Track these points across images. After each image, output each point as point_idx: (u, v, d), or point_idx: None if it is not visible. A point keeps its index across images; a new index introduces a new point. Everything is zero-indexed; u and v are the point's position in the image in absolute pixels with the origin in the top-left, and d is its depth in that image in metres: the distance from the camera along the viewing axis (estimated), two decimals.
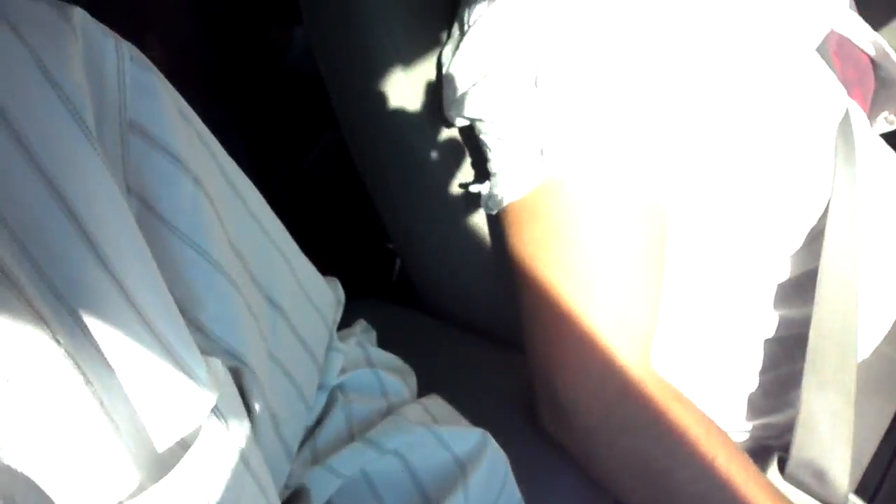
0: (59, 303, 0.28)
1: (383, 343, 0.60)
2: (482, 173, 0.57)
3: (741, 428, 0.65)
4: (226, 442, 0.32)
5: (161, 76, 0.34)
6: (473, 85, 0.53)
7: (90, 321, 0.28)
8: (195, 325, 0.35)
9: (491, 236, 0.62)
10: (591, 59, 0.49)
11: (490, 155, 0.54)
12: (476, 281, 0.65)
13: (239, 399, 0.35)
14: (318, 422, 0.46)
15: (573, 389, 0.51)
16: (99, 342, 0.28)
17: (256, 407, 0.38)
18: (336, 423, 0.46)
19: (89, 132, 0.29)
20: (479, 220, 0.62)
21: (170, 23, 0.94)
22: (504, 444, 0.48)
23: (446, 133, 0.61)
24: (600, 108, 0.49)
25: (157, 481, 0.29)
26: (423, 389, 0.56)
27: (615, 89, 0.49)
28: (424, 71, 0.61)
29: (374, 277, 1.01)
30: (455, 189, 0.61)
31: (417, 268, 0.69)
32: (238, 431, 0.33)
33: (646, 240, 0.51)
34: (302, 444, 0.45)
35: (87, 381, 0.27)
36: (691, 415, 0.50)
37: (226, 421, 0.33)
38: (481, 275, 0.64)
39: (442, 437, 0.45)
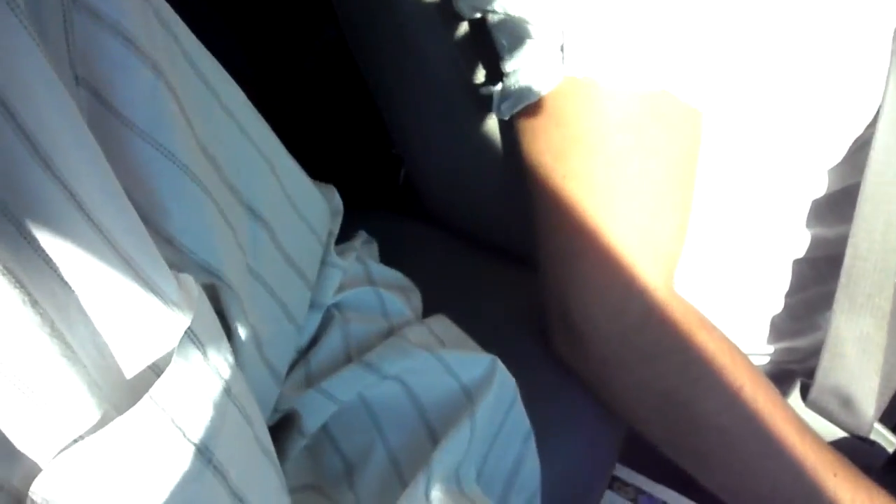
0: (1, 215, 0.24)
1: (386, 256, 0.55)
2: (495, 74, 0.51)
3: (762, 351, 0.62)
4: (203, 368, 0.29)
5: None
6: None
7: (36, 230, 0.24)
8: (161, 237, 0.31)
9: (503, 143, 0.56)
10: None
11: (504, 53, 0.48)
12: (486, 191, 0.60)
13: (216, 319, 0.31)
14: (313, 342, 0.43)
15: (590, 312, 0.47)
16: (48, 253, 0.24)
17: (237, 327, 0.34)
18: (332, 344, 0.42)
19: (20, 11, 0.24)
20: (490, 125, 0.57)
21: None
22: (512, 369, 0.45)
23: (455, 27, 0.55)
24: None
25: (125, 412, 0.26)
26: (429, 307, 0.52)
27: None
28: None
29: (378, 184, 0.96)
30: (464, 91, 0.56)
31: (423, 176, 0.65)
32: (216, 356, 0.30)
33: (678, 150, 0.46)
34: (293, 365, 0.42)
35: (33, 301, 0.23)
36: (717, 343, 0.46)
37: (202, 345, 0.29)
38: (491, 185, 0.59)
39: (448, 363, 0.41)
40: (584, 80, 0.44)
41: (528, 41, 0.46)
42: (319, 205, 0.43)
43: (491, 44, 0.51)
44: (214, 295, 0.33)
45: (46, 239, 0.25)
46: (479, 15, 0.51)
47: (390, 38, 0.58)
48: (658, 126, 0.45)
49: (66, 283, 0.25)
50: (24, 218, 0.24)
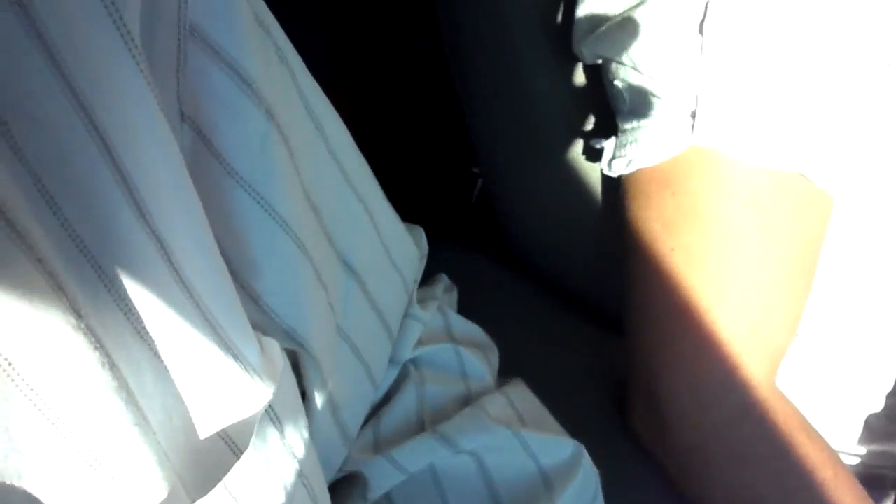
0: (81, 257, 0.21)
1: (462, 298, 0.53)
2: (608, 126, 0.48)
3: (853, 451, 0.57)
4: (279, 450, 0.26)
5: None
6: (619, 17, 0.43)
7: (119, 277, 0.22)
8: (249, 295, 0.28)
9: (604, 196, 0.53)
10: (778, 6, 0.38)
11: (623, 106, 0.45)
12: (576, 241, 0.56)
13: (297, 394, 0.29)
14: (386, 398, 0.40)
15: (681, 400, 0.43)
16: (129, 303, 0.22)
17: (315, 395, 0.31)
18: (405, 405, 0.39)
19: (131, 41, 0.21)
20: (592, 173, 0.53)
21: None
22: (587, 441, 0.42)
23: (569, 67, 0.52)
24: (777, 71, 0.39)
25: (192, 487, 0.23)
26: (503, 359, 0.49)
27: (798, 49, 0.39)
28: None
29: (451, 200, 0.94)
30: (569, 136, 0.52)
31: (509, 212, 0.61)
32: (293, 434, 0.27)
33: (804, 236, 0.42)
34: (364, 422, 0.39)
35: (111, 364, 0.21)
36: (819, 453, 0.42)
37: (280, 423, 0.27)
38: (584, 236, 0.56)
39: (528, 443, 0.38)
40: (712, 151, 0.41)
41: (655, 101, 0.42)
42: (411, 251, 0.40)
43: (610, 94, 0.47)
44: (295, 360, 0.30)
45: (130, 287, 0.22)
46: (599, 61, 0.47)
47: (497, 65, 0.55)
48: (785, 208, 0.41)
49: (141, 338, 0.23)
50: (107, 262, 0.22)
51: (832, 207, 0.43)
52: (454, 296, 0.49)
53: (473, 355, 0.42)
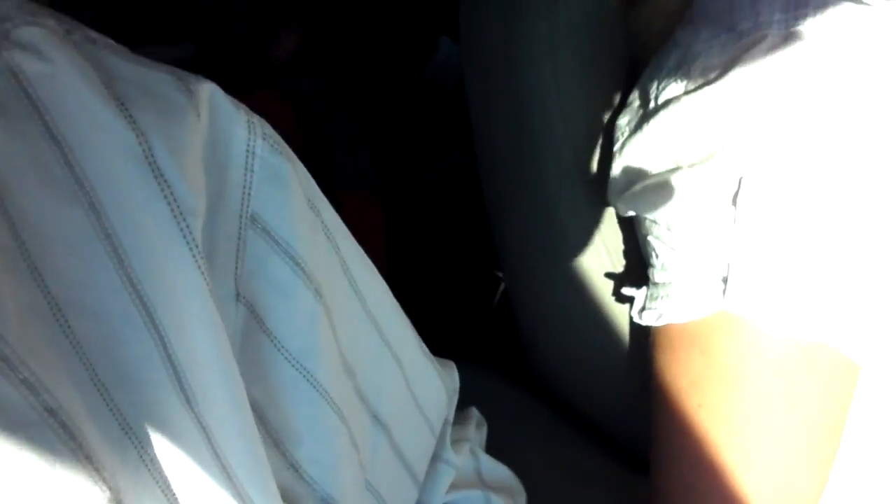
0: (125, 437, 0.23)
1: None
2: (640, 276, 0.49)
3: None
4: None
5: (293, 158, 0.28)
6: (654, 178, 0.45)
7: (161, 457, 0.23)
8: (288, 462, 0.29)
9: (632, 341, 0.54)
10: (811, 177, 0.40)
11: (656, 261, 0.46)
12: (603, 381, 0.57)
13: None
14: None
15: None
16: (169, 483, 0.24)
17: None
18: None
19: (194, 243, 0.24)
20: (621, 316, 0.54)
21: (308, 10, 0.89)
22: None
23: (604, 214, 0.53)
24: (806, 246, 0.41)
25: None
26: (527, 489, 0.49)
27: (828, 225, 0.40)
28: (590, 135, 0.54)
29: (474, 302, 0.95)
30: (601, 279, 0.54)
31: (535, 343, 0.62)
32: None
33: (830, 403, 0.43)
34: None
35: None
36: None
37: None
38: (611, 377, 0.56)
39: None
40: (741, 317, 0.42)
41: (687, 261, 0.44)
42: (440, 396, 0.41)
43: (643, 247, 0.49)
44: None
45: (171, 470, 0.24)
46: (632, 213, 0.49)
47: (531, 204, 0.57)
48: (812, 377, 0.42)
49: None
50: (150, 444, 0.23)
51: (858, 375, 0.43)
52: (484, 432, 0.50)
53: (503, 501, 0.43)
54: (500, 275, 0.93)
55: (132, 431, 0.23)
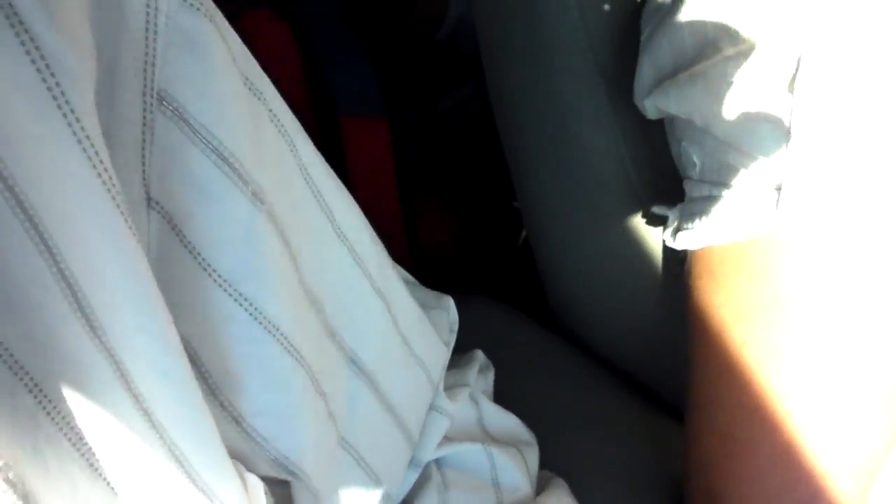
0: (16, 381, 0.17)
1: (498, 365, 0.47)
2: (673, 193, 0.42)
3: None
4: None
5: (222, 22, 0.21)
6: (692, 70, 0.37)
7: (65, 403, 0.18)
8: (229, 414, 0.23)
9: (664, 270, 0.47)
10: (888, 51, 0.32)
11: (693, 172, 0.39)
12: (629, 316, 0.50)
13: None
14: None
15: None
16: (77, 432, 0.18)
17: None
18: None
19: (73, 116, 0.17)
20: (652, 242, 0.47)
21: None
22: None
23: (630, 123, 0.46)
24: (883, 137, 0.33)
25: None
26: (543, 441, 0.43)
27: None
28: (611, 30, 0.46)
29: (497, 238, 0.90)
30: (627, 199, 0.47)
31: (553, 277, 0.56)
32: None
33: None
34: None
35: None
36: None
37: None
38: (637, 311, 0.49)
39: None
40: (800, 233, 0.34)
41: (732, 169, 0.36)
42: (435, 339, 0.35)
43: (676, 156, 0.41)
44: (286, 493, 0.25)
45: (79, 415, 0.18)
46: (665, 117, 0.41)
47: (546, 118, 0.50)
48: (881, 308, 0.35)
49: (94, 471, 0.18)
50: (51, 385, 0.17)
51: None
52: (490, 377, 0.43)
53: (509, 458, 0.36)
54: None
55: (24, 372, 0.17)
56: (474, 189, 0.89)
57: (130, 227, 0.18)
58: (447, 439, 0.35)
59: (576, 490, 0.43)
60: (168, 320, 0.19)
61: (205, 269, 0.21)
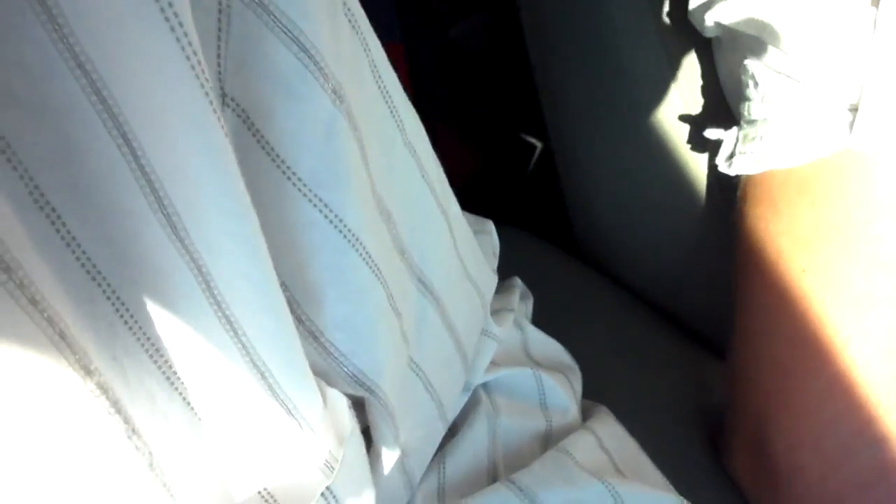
0: (94, 286, 0.16)
1: (529, 290, 0.46)
2: (725, 117, 0.40)
3: None
4: None
5: None
6: None
7: (144, 312, 0.17)
8: (308, 330, 0.22)
9: (708, 198, 0.45)
10: None
11: (754, 92, 0.37)
12: (666, 247, 0.49)
13: (365, 464, 0.22)
14: (452, 429, 0.33)
15: (802, 453, 0.36)
16: (157, 344, 0.17)
17: (383, 450, 0.25)
18: (475, 443, 0.33)
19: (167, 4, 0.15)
20: (695, 166, 0.45)
21: None
22: (679, 481, 0.35)
23: (677, 40, 0.43)
24: None
25: None
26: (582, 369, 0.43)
27: None
28: None
29: (508, 168, 0.89)
30: (673, 122, 0.45)
31: (585, 207, 0.54)
32: None
33: None
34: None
35: (131, 432, 0.16)
36: None
37: None
38: (676, 241, 0.48)
39: (624, 499, 0.31)
40: (875, 157, 0.33)
41: (799, 88, 0.34)
42: (485, 263, 0.33)
43: (734, 75, 0.39)
44: (360, 404, 0.23)
45: (159, 324, 0.17)
46: (722, 33, 0.39)
47: (585, 36, 0.47)
48: None
49: (171, 384, 0.17)
50: (129, 292, 0.16)
51: None
52: (530, 304, 0.42)
53: (556, 381, 0.35)
54: (533, 140, 0.86)
55: (101, 277, 0.16)
56: (488, 120, 0.87)
57: (220, 120, 0.16)
58: (494, 364, 0.34)
59: (619, 419, 0.42)
60: (255, 224, 0.17)
61: (283, 172, 0.19)
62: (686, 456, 0.41)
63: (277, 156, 0.19)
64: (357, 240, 0.21)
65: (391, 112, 0.24)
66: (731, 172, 0.38)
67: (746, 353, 0.39)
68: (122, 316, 0.16)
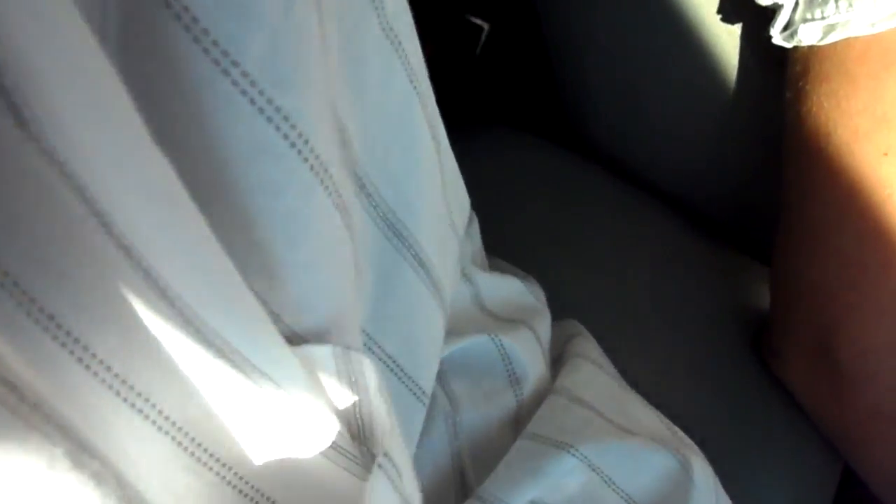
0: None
1: (534, 196, 0.41)
2: None
3: None
4: None
5: None
6: None
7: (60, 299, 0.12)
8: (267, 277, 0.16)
9: (741, 74, 0.40)
10: None
11: None
12: (689, 137, 0.43)
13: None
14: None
15: (876, 358, 0.33)
16: (82, 343, 0.12)
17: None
18: (434, 455, 0.28)
19: None
20: (726, 39, 0.39)
21: None
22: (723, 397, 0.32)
23: None
24: None
25: None
26: (600, 280, 0.38)
27: None
28: None
29: (459, 54, 0.82)
30: None
31: (582, 92, 0.47)
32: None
33: None
34: None
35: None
36: None
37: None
38: (699, 130, 0.42)
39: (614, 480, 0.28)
40: None
41: None
42: (463, 193, 0.28)
43: None
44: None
45: (79, 324, 0.12)
46: None
47: None
48: None
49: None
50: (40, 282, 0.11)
51: None
52: (475, 227, 0.34)
53: (518, 342, 0.29)
54: (479, 22, 0.79)
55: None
56: (434, 3, 0.79)
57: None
58: (452, 333, 0.28)
59: (644, 327, 0.38)
60: (166, 165, 0.12)
61: (217, 63, 0.13)
62: (723, 360, 0.38)
63: (220, 46, 0.13)
64: (320, 161, 0.15)
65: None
66: (795, 43, 0.33)
67: (813, 250, 0.35)
68: (30, 312, 0.11)
